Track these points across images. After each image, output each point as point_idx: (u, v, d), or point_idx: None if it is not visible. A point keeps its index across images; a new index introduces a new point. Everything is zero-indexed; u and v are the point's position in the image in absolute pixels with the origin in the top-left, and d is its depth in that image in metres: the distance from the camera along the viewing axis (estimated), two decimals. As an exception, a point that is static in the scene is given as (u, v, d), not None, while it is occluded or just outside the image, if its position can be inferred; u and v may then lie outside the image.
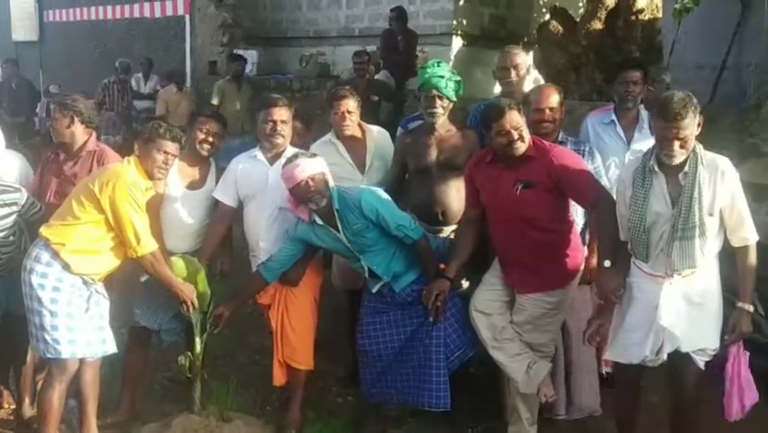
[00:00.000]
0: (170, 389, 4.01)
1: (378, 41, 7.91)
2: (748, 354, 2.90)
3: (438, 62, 3.59)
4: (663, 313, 2.82)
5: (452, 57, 8.31)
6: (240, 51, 9.47)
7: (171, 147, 3.25)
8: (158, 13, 11.34)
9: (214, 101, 8.07)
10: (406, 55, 7.59)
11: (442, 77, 3.49)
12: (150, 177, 3.25)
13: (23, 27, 14.99)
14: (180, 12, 10.84)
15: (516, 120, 3.05)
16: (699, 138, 3.83)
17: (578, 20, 7.37)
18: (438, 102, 3.51)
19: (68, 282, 3.07)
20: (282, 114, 3.55)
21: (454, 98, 3.56)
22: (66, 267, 3.05)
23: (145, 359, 3.82)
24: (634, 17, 6.73)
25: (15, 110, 8.99)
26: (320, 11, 9.75)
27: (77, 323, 3.09)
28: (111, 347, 3.23)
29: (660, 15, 6.69)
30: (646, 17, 6.75)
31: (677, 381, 2.93)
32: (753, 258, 2.84)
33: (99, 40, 12.84)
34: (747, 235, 2.82)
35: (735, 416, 2.88)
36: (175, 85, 8.74)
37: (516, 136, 3.04)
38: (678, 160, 2.74)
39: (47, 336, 3.04)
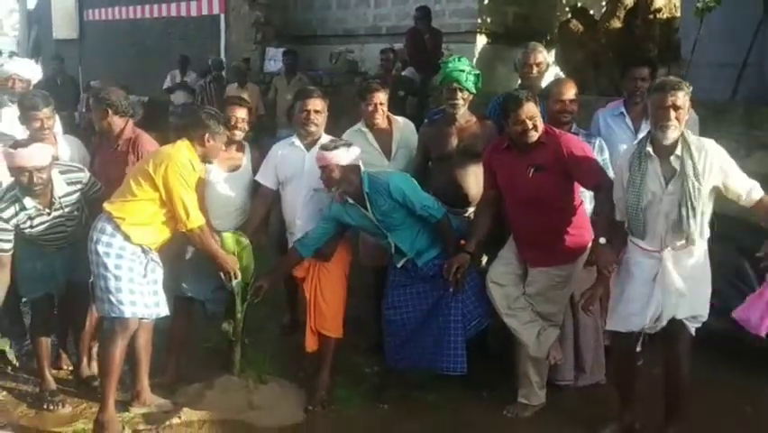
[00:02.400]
0: (211, 357, 4.31)
1: (404, 39, 8.17)
2: None
3: (459, 57, 3.93)
4: (664, 284, 3.11)
5: (477, 54, 8.48)
6: (272, 49, 9.84)
7: (225, 135, 3.66)
8: (194, 12, 11.71)
9: (270, 95, 8.47)
10: (431, 53, 7.87)
11: (462, 71, 3.82)
12: (210, 161, 3.65)
13: (64, 25, 15.51)
14: (216, 11, 11.23)
15: (531, 111, 3.36)
16: (710, 131, 4.11)
17: (598, 19, 7.57)
18: (459, 94, 3.85)
19: (130, 251, 3.44)
20: (316, 104, 3.91)
21: (474, 91, 3.89)
22: (126, 238, 3.42)
23: (189, 328, 4.15)
24: (652, 16, 6.88)
25: (60, 106, 9.37)
26: (349, 9, 10.03)
27: (138, 286, 3.46)
28: (164, 310, 3.61)
29: (678, 14, 6.86)
30: (664, 16, 6.91)
31: (671, 346, 3.23)
32: None
33: (137, 38, 13.23)
34: (755, 192, 3.07)
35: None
36: (237, 82, 8.81)
37: (530, 125, 3.36)
38: (672, 134, 3.02)
39: (112, 298, 3.42)
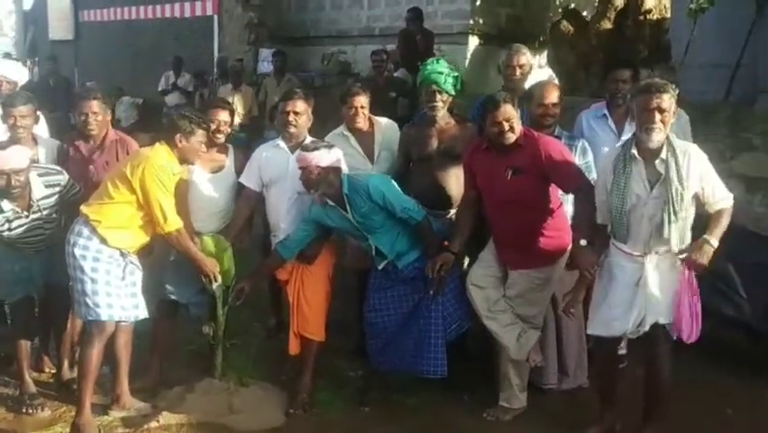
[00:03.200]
0: (194, 360, 4.27)
1: (396, 40, 8.13)
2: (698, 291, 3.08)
3: (438, 59, 3.93)
4: (647, 289, 3.09)
5: (469, 56, 8.50)
6: (265, 50, 9.83)
7: (205, 137, 3.61)
8: (188, 14, 11.71)
9: (260, 97, 8.44)
10: (423, 54, 7.84)
11: (441, 73, 3.81)
12: (189, 162, 3.62)
13: (60, 26, 15.48)
14: (209, 12, 11.23)
15: (508, 112, 3.34)
16: (696, 132, 4.11)
17: (589, 20, 7.56)
18: (438, 96, 3.84)
19: (107, 254, 3.43)
20: (296, 106, 3.90)
21: (453, 92, 3.88)
22: (103, 241, 3.41)
23: (172, 330, 4.15)
24: (642, 17, 6.88)
25: (53, 106, 9.36)
26: (342, 11, 10.01)
27: (115, 289, 3.45)
28: (143, 312, 3.59)
29: (668, 15, 6.86)
30: (654, 17, 6.91)
31: (652, 350, 3.20)
32: (728, 212, 3.06)
33: (132, 39, 13.22)
34: (724, 200, 3.06)
35: (687, 336, 3.06)
36: (231, 83, 8.70)
37: (507, 127, 3.34)
38: (656, 137, 2.99)
39: (88, 301, 3.41)
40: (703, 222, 3.09)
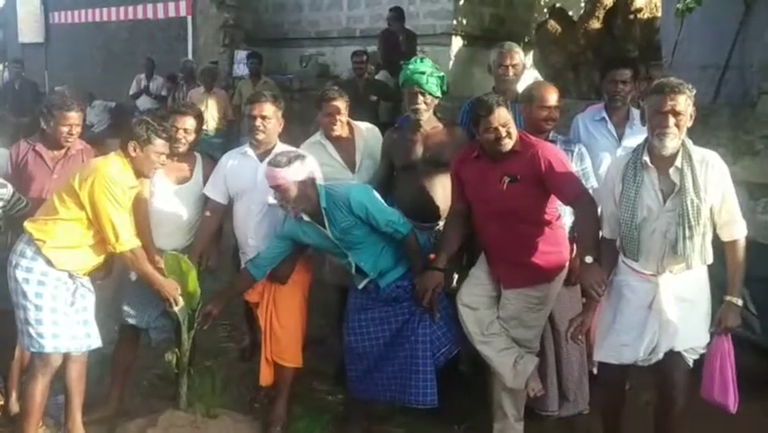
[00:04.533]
0: (159, 386, 4.00)
1: (377, 41, 7.91)
2: (733, 352, 2.85)
3: (420, 58, 3.59)
4: (660, 312, 2.79)
5: (452, 57, 8.32)
6: (241, 52, 9.51)
7: (165, 149, 3.24)
8: (161, 15, 11.44)
9: (235, 100, 8.09)
10: (405, 55, 7.57)
11: (423, 72, 3.48)
12: (144, 175, 3.26)
13: (30, 29, 15.13)
14: (182, 13, 10.97)
15: (504, 117, 3.03)
16: (695, 136, 3.85)
17: (577, 20, 7.33)
18: (421, 98, 3.50)
19: (53, 277, 3.07)
20: (264, 109, 3.54)
21: (438, 94, 3.54)
22: (49, 262, 3.05)
23: (134, 356, 3.81)
24: (632, 16, 6.67)
25: (19, 111, 9.00)
26: (321, 11, 9.78)
27: (62, 317, 3.09)
28: (96, 342, 3.23)
29: (659, 15, 6.66)
30: (645, 16, 6.69)
31: (666, 379, 2.90)
32: (742, 252, 2.81)
33: (103, 41, 12.95)
34: (737, 230, 2.79)
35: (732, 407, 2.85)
36: (204, 86, 8.32)
37: (503, 133, 3.03)
38: (670, 143, 2.69)
39: (31, 330, 3.05)
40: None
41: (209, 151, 4.03)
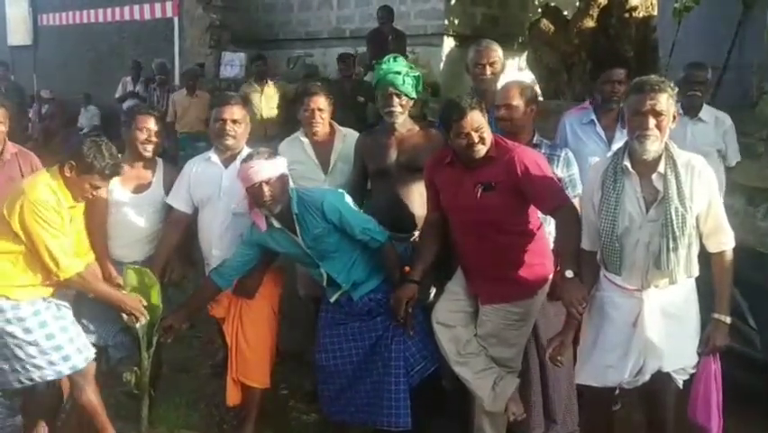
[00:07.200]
0: (125, 404, 3.71)
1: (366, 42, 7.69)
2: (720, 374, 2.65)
3: (395, 57, 3.35)
4: (646, 330, 2.57)
5: (444, 57, 8.11)
6: (228, 54, 9.30)
7: (104, 183, 3.01)
8: (147, 16, 11.24)
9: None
10: (395, 56, 7.38)
11: (398, 72, 3.25)
12: (74, 198, 2.98)
13: (18, 31, 14.89)
14: (169, 14, 10.75)
15: (477, 121, 2.79)
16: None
17: (571, 18, 7.09)
18: (396, 100, 3.27)
19: (35, 306, 2.95)
20: (233, 112, 3.35)
21: (413, 95, 3.32)
22: (12, 300, 2.89)
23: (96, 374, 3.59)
24: (627, 15, 6.42)
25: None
26: (311, 12, 9.58)
27: (74, 330, 3.05)
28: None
29: (654, 13, 6.47)
30: (640, 15, 6.45)
31: (654, 401, 2.68)
32: (730, 264, 2.59)
33: (92, 43, 12.75)
34: (725, 240, 2.58)
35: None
36: (186, 88, 8.12)
37: (476, 139, 2.79)
38: (651, 146, 2.47)
39: (51, 359, 2.94)
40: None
41: (193, 154, 3.85)
